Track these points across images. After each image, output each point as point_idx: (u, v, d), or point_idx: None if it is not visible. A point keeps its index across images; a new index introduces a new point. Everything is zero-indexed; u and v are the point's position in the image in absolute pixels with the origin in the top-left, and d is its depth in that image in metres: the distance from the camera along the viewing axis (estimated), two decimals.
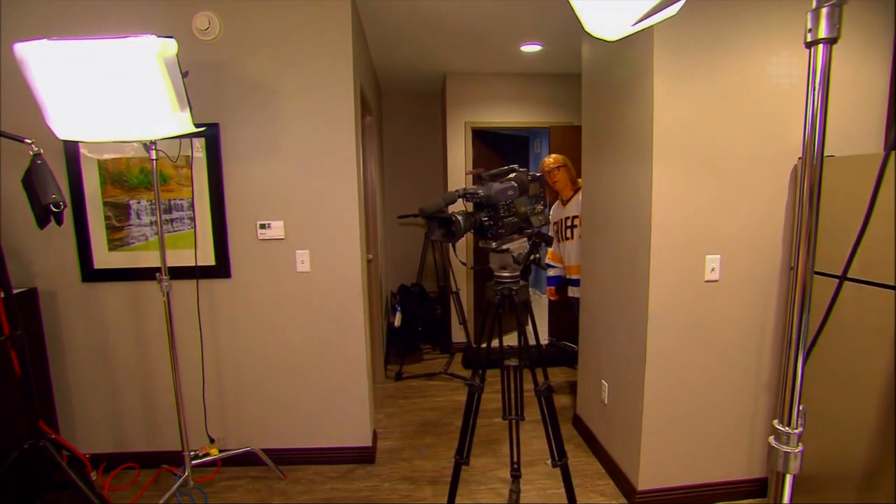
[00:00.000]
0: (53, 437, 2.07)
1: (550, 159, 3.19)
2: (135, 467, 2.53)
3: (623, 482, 2.29)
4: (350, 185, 2.44)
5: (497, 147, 4.44)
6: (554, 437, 1.88)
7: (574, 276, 3.16)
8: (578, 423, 2.89)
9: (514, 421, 2.11)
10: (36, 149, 1.91)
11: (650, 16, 0.77)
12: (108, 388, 2.52)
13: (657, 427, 2.13)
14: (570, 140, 3.44)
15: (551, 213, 3.26)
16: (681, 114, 1.97)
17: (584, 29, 0.88)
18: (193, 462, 2.35)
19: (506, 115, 4.06)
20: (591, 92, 2.64)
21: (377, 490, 2.38)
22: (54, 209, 1.93)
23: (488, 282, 1.93)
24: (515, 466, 2.22)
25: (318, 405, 2.57)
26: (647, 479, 2.17)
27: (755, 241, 2.07)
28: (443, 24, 2.89)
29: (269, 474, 2.50)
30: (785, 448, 0.76)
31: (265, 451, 2.51)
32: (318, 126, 2.40)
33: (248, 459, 2.51)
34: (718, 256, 2.06)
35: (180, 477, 2.37)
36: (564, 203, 3.21)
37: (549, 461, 2.52)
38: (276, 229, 2.43)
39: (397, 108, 4.82)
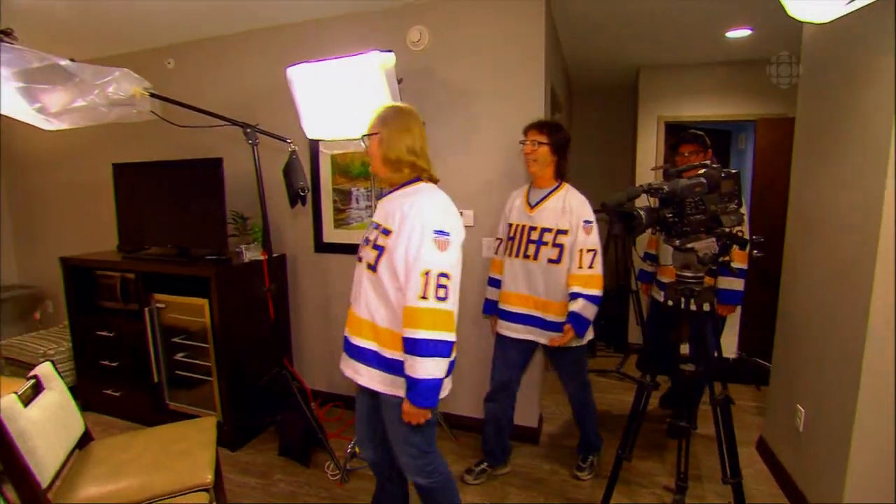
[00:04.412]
0: (291, 370, 2.68)
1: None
2: (340, 406, 3.10)
3: None
4: None
5: None
6: (728, 452, 1.77)
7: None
8: (763, 447, 2.60)
9: (684, 429, 2.03)
10: (294, 146, 2.47)
11: None
12: (327, 337, 3.12)
13: (867, 469, 1.83)
14: (780, 133, 3.04)
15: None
16: None
17: (786, 14, 0.84)
18: None
19: (704, 108, 3.74)
20: (811, 78, 2.32)
21: (538, 469, 2.51)
22: (301, 193, 2.48)
23: (671, 281, 1.89)
24: (682, 477, 2.12)
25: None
26: None
27: None
28: (639, 16, 2.82)
29: (442, 434, 2.81)
30: None
31: (441, 413, 2.83)
32: (508, 125, 2.58)
33: None
34: None
35: None
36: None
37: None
38: (467, 217, 2.69)
39: (588, 104, 4.83)
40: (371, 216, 2.65)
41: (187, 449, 1.81)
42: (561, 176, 2.21)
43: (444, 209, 1.52)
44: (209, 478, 1.69)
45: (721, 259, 1.80)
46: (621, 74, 4.12)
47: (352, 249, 2.92)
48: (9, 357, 3.50)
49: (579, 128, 4.88)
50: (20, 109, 1.96)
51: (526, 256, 2.18)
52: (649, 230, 1.82)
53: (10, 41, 1.83)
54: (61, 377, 1.84)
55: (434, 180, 1.63)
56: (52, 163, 4.02)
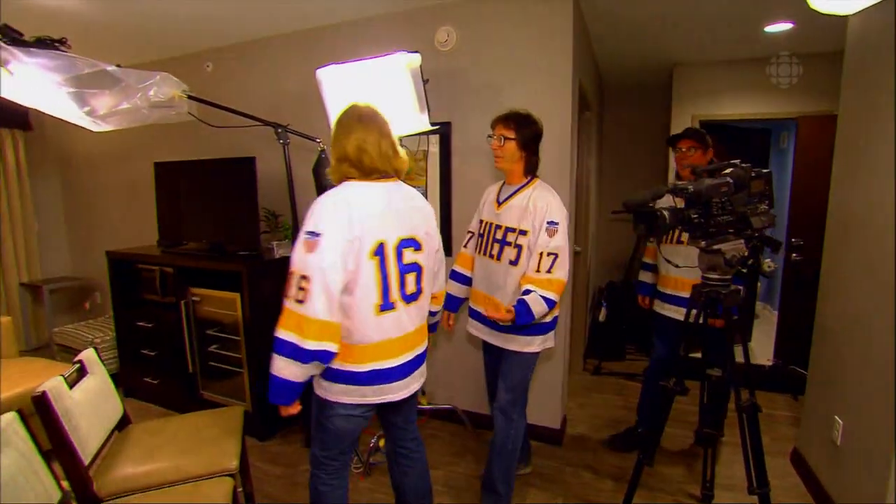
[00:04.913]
0: None
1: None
2: None
3: None
4: (562, 179, 2.56)
5: (729, 143, 3.99)
6: (755, 461, 1.72)
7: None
8: (798, 459, 2.49)
9: (710, 436, 1.98)
10: (323, 146, 2.54)
11: None
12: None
13: None
14: (823, 132, 2.90)
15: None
16: None
17: (808, 6, 0.82)
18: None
19: (741, 107, 3.61)
20: (855, 74, 2.21)
21: (560, 471, 2.49)
22: None
23: (695, 283, 1.84)
24: (708, 486, 2.07)
25: None
26: None
27: None
28: (673, 11, 2.75)
29: (465, 433, 2.83)
30: None
31: (464, 411, 2.85)
32: None
33: (449, 416, 2.89)
34: None
35: None
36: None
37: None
38: None
39: (620, 103, 4.75)
40: None
41: (216, 436, 1.89)
42: (532, 172, 2.04)
43: (321, 209, 1.44)
44: (234, 464, 1.77)
45: (750, 261, 1.75)
46: (655, 72, 4.02)
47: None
48: (61, 343, 3.74)
49: (611, 127, 4.81)
50: (72, 112, 2.08)
51: (490, 256, 2.06)
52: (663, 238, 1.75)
53: (65, 49, 1.96)
54: (104, 364, 1.95)
55: (371, 176, 1.52)
56: (101, 162, 4.26)
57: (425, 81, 2.30)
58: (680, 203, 1.75)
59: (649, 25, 3.00)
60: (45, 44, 1.90)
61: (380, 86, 2.28)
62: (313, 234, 1.40)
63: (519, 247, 1.95)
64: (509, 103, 2.57)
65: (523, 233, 1.95)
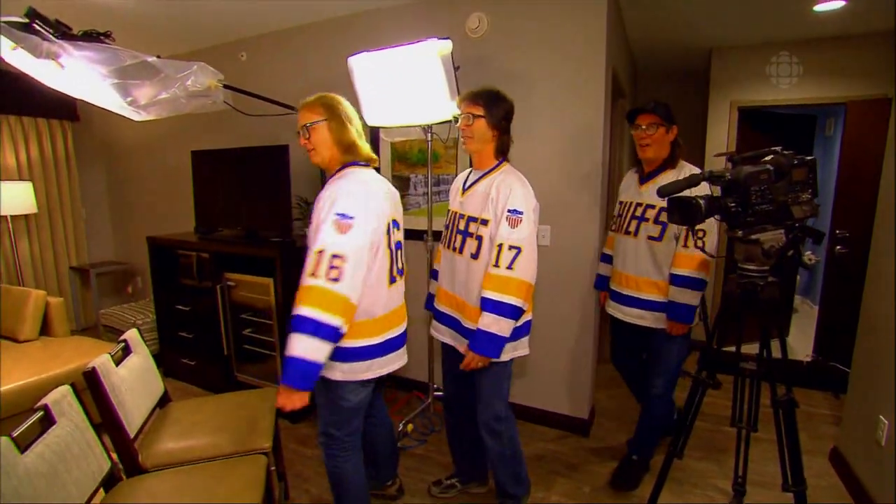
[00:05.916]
0: None
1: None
2: (392, 386, 3.20)
3: None
4: (594, 167, 2.52)
5: (770, 130, 3.82)
6: (790, 458, 1.67)
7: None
8: (838, 459, 2.41)
9: (743, 431, 1.93)
10: None
11: None
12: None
13: None
14: (874, 117, 2.75)
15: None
16: None
17: None
18: (435, 393, 2.86)
19: (784, 92, 3.44)
20: None
21: (586, 461, 2.48)
22: None
23: (731, 274, 1.79)
24: (740, 481, 2.02)
25: (543, 369, 2.78)
26: None
27: None
28: None
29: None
30: None
31: None
32: (568, 112, 2.53)
33: None
34: None
35: (424, 402, 2.92)
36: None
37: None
38: None
39: (654, 89, 4.61)
40: (428, 202, 2.71)
41: (250, 416, 1.96)
42: (503, 154, 1.86)
43: (352, 192, 1.58)
44: (267, 443, 1.83)
45: (790, 253, 1.68)
46: (691, 56, 3.87)
47: (409, 234, 3.00)
48: (107, 325, 3.93)
49: None
50: (116, 103, 2.17)
51: (453, 249, 1.88)
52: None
53: (109, 42, 2.04)
54: (146, 344, 2.05)
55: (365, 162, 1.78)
56: (142, 151, 4.42)
57: (456, 68, 2.29)
58: (716, 191, 1.71)
59: (686, 7, 2.89)
60: (91, 37, 1.98)
61: (411, 73, 2.29)
62: (345, 216, 1.49)
63: (480, 238, 1.77)
64: (540, 90, 2.56)
65: (484, 222, 1.77)
